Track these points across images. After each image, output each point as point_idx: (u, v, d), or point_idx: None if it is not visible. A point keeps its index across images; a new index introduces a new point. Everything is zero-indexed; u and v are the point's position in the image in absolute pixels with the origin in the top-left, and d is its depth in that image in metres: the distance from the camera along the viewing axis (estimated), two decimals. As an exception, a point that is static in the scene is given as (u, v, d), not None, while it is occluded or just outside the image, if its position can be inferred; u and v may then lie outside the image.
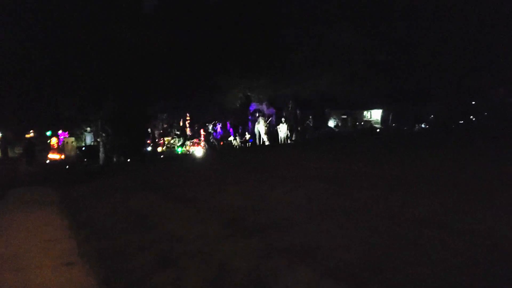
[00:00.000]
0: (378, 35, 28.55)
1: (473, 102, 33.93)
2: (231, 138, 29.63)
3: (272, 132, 25.60)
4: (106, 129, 19.51)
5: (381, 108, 39.54)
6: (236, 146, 25.90)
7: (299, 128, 26.82)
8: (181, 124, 28.93)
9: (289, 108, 28.15)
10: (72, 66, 19.92)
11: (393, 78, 30.99)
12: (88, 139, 23.78)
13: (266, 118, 25.10)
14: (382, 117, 39.55)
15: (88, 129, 23.74)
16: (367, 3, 28.76)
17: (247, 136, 26.87)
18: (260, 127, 24.64)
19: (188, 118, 31.75)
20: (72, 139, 23.46)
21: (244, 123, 33.44)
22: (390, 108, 38.06)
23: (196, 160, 18.02)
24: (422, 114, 36.93)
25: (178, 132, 27.06)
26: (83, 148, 21.96)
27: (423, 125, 35.83)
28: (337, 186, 6.65)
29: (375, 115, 41.11)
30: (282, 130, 25.00)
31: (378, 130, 32.24)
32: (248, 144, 26.47)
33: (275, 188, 7.13)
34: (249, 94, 28.85)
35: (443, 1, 27.97)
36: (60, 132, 26.49)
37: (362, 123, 38.55)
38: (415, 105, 35.96)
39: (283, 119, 25.27)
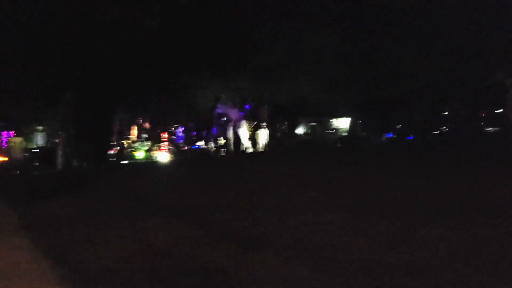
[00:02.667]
0: (353, 39, 27.16)
1: (446, 112, 33.31)
2: (201, 143, 27.00)
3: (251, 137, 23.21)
4: (68, 128, 16.33)
5: (349, 116, 38.40)
6: (214, 151, 23.29)
7: (278, 134, 24.65)
8: (147, 125, 25.85)
9: (264, 113, 25.93)
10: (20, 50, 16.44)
11: (365, 85, 29.75)
12: (40, 140, 20.24)
13: (251, 122, 22.63)
14: (350, 126, 38.41)
15: (40, 128, 20.22)
16: (343, 8, 27.32)
17: (222, 141, 24.30)
18: (243, 131, 22.14)
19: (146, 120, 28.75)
20: (20, 139, 19.82)
21: (208, 127, 30.89)
22: (358, 116, 36.99)
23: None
24: (388, 124, 36.08)
25: (145, 135, 23.98)
26: (36, 150, 18.52)
27: (390, 135, 34.93)
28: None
29: (343, 123, 39.94)
30: (263, 135, 22.64)
31: (361, 138, 30.77)
32: (223, 151, 23.93)
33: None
34: (222, 95, 26.29)
35: (420, 12, 27.03)
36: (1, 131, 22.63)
37: (333, 130, 37.21)
38: (382, 114, 35.07)
39: (264, 124, 22.92)
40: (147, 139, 23.56)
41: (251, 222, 5.38)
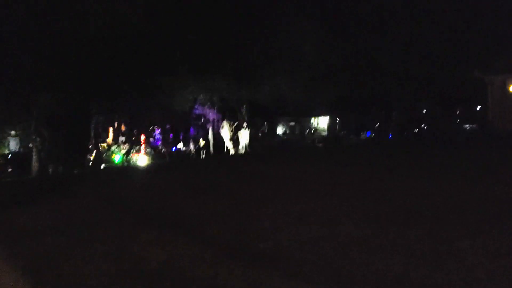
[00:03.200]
0: (332, 37, 26.94)
1: (424, 111, 33.63)
2: (180, 144, 26.45)
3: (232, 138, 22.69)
4: (42, 132, 15.59)
5: (327, 115, 38.39)
6: (194, 153, 22.73)
7: (259, 135, 24.28)
8: (123, 128, 25.07)
9: (243, 113, 25.52)
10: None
11: (343, 84, 29.59)
12: (12, 145, 19.33)
13: (232, 122, 22.15)
14: (329, 125, 38.42)
15: (13, 132, 19.31)
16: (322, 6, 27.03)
17: (202, 142, 23.78)
18: (225, 132, 21.66)
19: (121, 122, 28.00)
20: (-9, 144, 18.92)
21: (185, 129, 30.35)
22: (336, 115, 37.02)
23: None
24: (365, 122, 36.16)
25: (123, 138, 23.25)
26: (9, 156, 17.62)
27: (368, 133, 34.98)
28: None
29: (321, 122, 39.94)
30: (244, 136, 22.21)
31: (341, 137, 30.59)
32: (204, 152, 23.41)
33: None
34: (200, 96, 25.73)
35: (399, 10, 26.99)
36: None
37: (312, 130, 37.09)
38: (360, 113, 35.19)
39: (245, 124, 22.49)
40: (124, 142, 22.80)
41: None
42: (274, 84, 26.88)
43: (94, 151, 19.31)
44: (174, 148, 27.21)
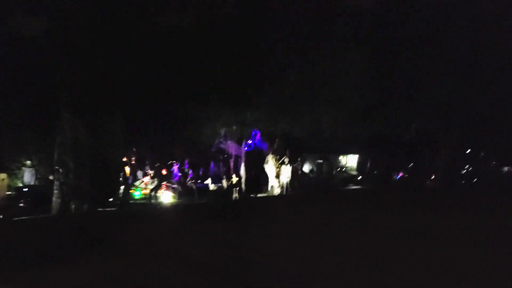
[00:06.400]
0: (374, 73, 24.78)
1: (468, 150, 31.14)
2: (208, 181, 23.91)
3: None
4: (67, 163, 13.20)
5: (357, 154, 36.09)
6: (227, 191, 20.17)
7: (299, 172, 21.77)
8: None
9: (276, 147, 23.03)
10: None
11: (381, 120, 27.31)
12: (27, 177, 16.86)
13: (278, 157, 19.60)
14: (359, 164, 36.04)
15: (28, 163, 16.88)
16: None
17: (235, 178, 21.25)
18: (270, 167, 19.13)
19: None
20: (3, 175, 16.39)
21: (206, 164, 27.94)
22: (367, 154, 34.69)
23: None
24: (396, 162, 33.85)
25: (150, 172, 20.80)
26: (25, 189, 15.07)
27: (401, 174, 32.62)
28: None
29: (350, 161, 37.52)
30: (285, 173, 19.68)
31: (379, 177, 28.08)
32: (236, 191, 20.79)
33: None
34: (233, 128, 23.47)
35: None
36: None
37: (343, 169, 34.56)
38: (389, 152, 32.79)
39: (286, 160, 19.98)
40: (153, 177, 20.32)
41: None
42: (312, 118, 24.71)
43: (122, 186, 16.76)
44: (200, 184, 24.86)
